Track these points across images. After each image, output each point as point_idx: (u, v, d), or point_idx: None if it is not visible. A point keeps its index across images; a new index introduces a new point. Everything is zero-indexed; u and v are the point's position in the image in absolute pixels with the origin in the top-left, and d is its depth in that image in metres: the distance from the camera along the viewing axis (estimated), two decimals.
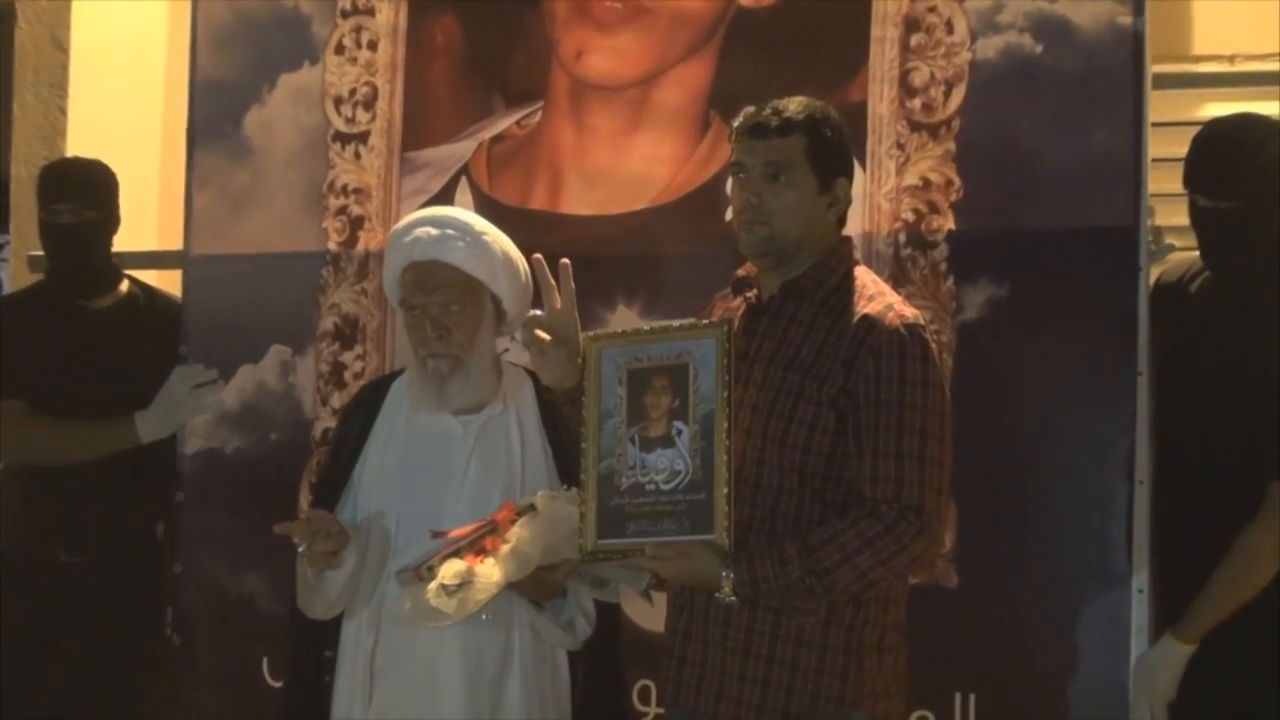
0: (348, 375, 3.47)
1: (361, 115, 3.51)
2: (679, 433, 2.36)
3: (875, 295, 2.43)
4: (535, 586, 2.56)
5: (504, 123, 3.41)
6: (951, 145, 3.04)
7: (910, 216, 3.06)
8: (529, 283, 2.70)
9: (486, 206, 3.31)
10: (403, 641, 2.62)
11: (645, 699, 3.15)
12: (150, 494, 3.53)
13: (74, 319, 3.50)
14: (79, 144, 4.15)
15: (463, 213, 2.80)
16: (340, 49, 3.54)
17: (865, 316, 2.39)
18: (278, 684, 3.28)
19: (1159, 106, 3.00)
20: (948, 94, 3.05)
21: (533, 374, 2.68)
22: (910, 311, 2.42)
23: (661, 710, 2.64)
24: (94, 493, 3.39)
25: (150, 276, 3.74)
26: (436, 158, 3.44)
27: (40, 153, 4.26)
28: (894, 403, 2.34)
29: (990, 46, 3.02)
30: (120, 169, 3.58)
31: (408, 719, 2.61)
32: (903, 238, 3.06)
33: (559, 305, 2.53)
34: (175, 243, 3.72)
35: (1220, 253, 2.90)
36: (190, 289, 3.62)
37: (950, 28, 3.05)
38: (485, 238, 2.69)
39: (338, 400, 3.43)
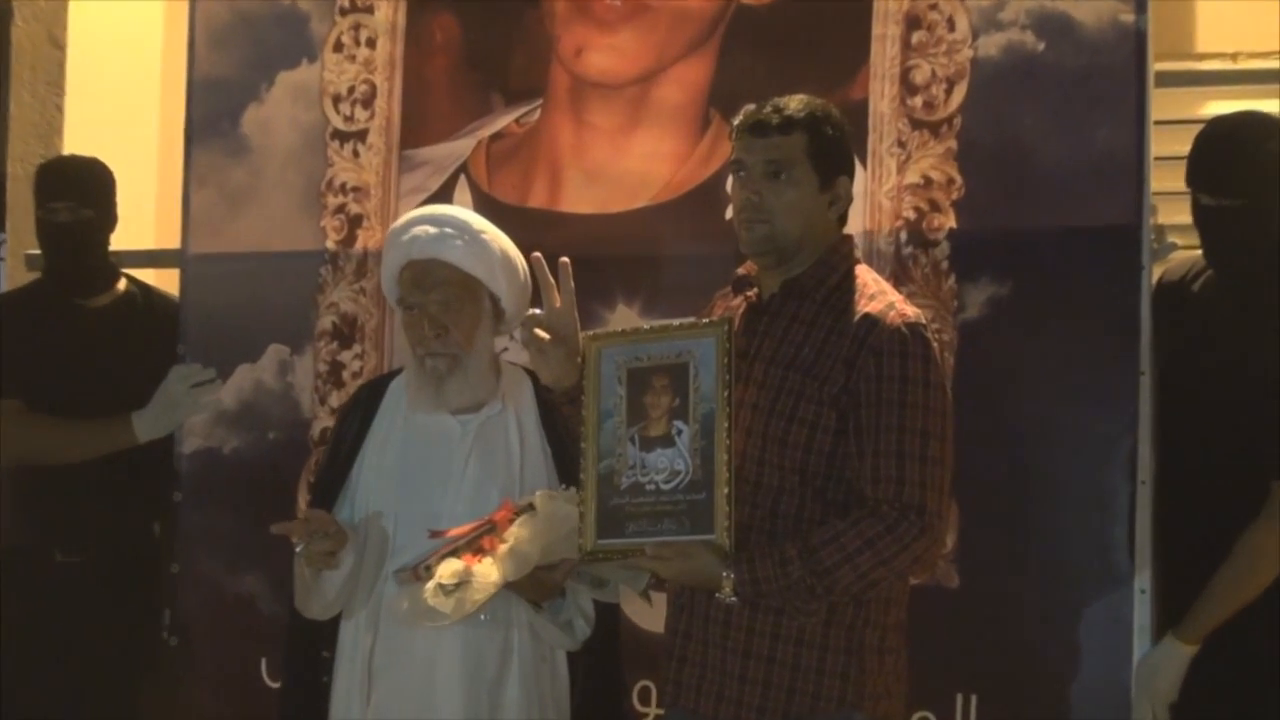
0: (346, 374, 3.46)
1: (360, 113, 3.50)
2: (679, 432, 2.35)
3: (876, 294, 2.43)
4: (534, 587, 2.55)
5: (503, 121, 3.40)
6: (953, 143, 3.03)
7: (911, 215, 3.05)
8: (527, 281, 2.69)
9: (485, 205, 3.30)
10: (401, 642, 2.62)
11: (646, 700, 3.14)
12: (148, 494, 3.52)
13: (71, 318, 3.49)
14: (76, 142, 4.15)
15: (461, 211, 2.80)
16: (339, 47, 3.53)
17: (866, 315, 2.38)
18: (276, 685, 3.28)
19: (1161, 104, 2.99)
20: (949, 92, 3.04)
21: (532, 373, 2.68)
22: (912, 310, 2.41)
23: (662, 711, 2.63)
24: (91, 492, 3.38)
25: (148, 275, 3.74)
26: (435, 156, 3.44)
27: (37, 151, 4.26)
28: (895, 402, 2.33)
29: (992, 44, 3.02)
30: (117, 167, 3.58)
31: (406, 719, 2.60)
32: (904, 236, 3.05)
33: (558, 304, 2.52)
34: (173, 241, 3.71)
35: (1223, 251, 2.89)
36: (188, 288, 3.61)
37: (952, 25, 3.04)
38: (483, 236, 2.69)
39: (336, 399, 3.43)
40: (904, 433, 2.32)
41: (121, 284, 3.59)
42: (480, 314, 2.68)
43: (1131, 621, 2.86)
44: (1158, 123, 2.95)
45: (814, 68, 3.08)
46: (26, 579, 3.40)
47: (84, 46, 4.35)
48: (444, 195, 3.37)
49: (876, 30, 3.09)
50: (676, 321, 2.46)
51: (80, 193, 3.47)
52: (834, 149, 2.45)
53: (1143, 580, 2.86)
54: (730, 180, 2.59)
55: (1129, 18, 2.92)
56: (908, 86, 3.07)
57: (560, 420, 2.64)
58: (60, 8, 4.33)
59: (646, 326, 2.59)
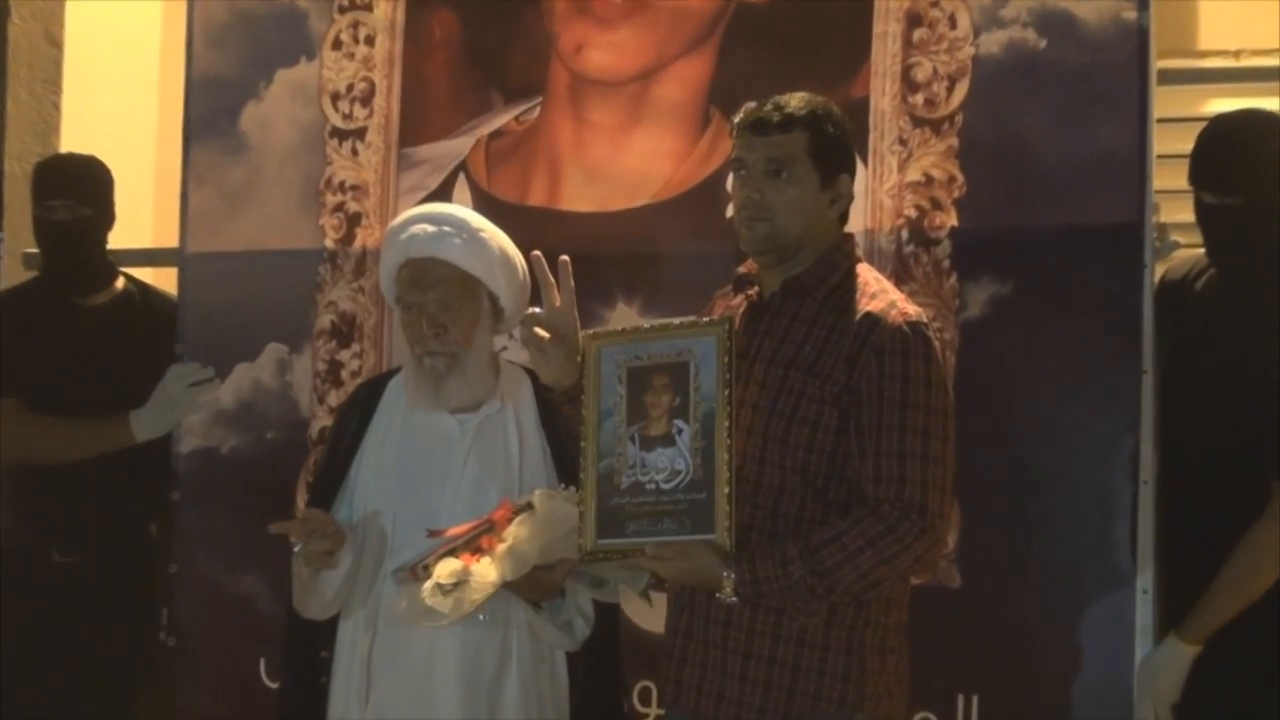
0: (345, 373, 3.46)
1: (359, 111, 3.49)
2: (679, 431, 2.35)
3: (878, 293, 2.42)
4: (533, 586, 2.55)
5: (502, 118, 3.39)
6: (954, 141, 3.03)
7: (913, 213, 3.04)
8: (526, 280, 2.69)
9: (485, 203, 3.30)
10: (400, 642, 2.61)
11: (646, 700, 3.14)
12: (145, 493, 3.51)
13: (69, 316, 3.49)
14: (73, 140, 4.15)
15: (459, 209, 2.80)
16: (337, 44, 3.52)
17: (868, 314, 2.38)
18: (274, 685, 3.27)
19: (1164, 102, 2.99)
20: (950, 89, 3.03)
21: (531, 372, 2.67)
22: (913, 309, 2.41)
23: (662, 711, 2.62)
24: (88, 492, 3.38)
25: (146, 274, 3.73)
26: (434, 154, 3.43)
27: (34, 149, 4.26)
28: (897, 401, 2.33)
29: (993, 41, 3.01)
30: (115, 166, 3.57)
31: (404, 719, 2.59)
32: (905, 234, 3.04)
33: (558, 303, 2.51)
34: (171, 240, 3.70)
35: (1226, 250, 2.89)
36: (186, 287, 3.61)
37: (953, 22, 3.04)
38: (482, 234, 2.68)
39: (335, 399, 3.42)
40: (905, 432, 2.32)
41: (119, 283, 3.58)
42: (479, 313, 2.67)
43: (1133, 622, 2.85)
44: (1160, 120, 2.94)
45: (815, 65, 3.07)
46: (24, 579, 3.39)
47: (81, 44, 4.35)
48: (443, 193, 3.36)
49: (877, 28, 3.08)
50: (677, 320, 2.45)
51: (78, 191, 3.46)
52: (835, 147, 2.44)
53: (1145, 580, 2.85)
54: (730, 178, 2.58)
55: (1131, 15, 2.91)
56: (909, 84, 3.06)
57: (559, 419, 2.64)
58: (57, 6, 4.33)
59: (647, 325, 2.59)
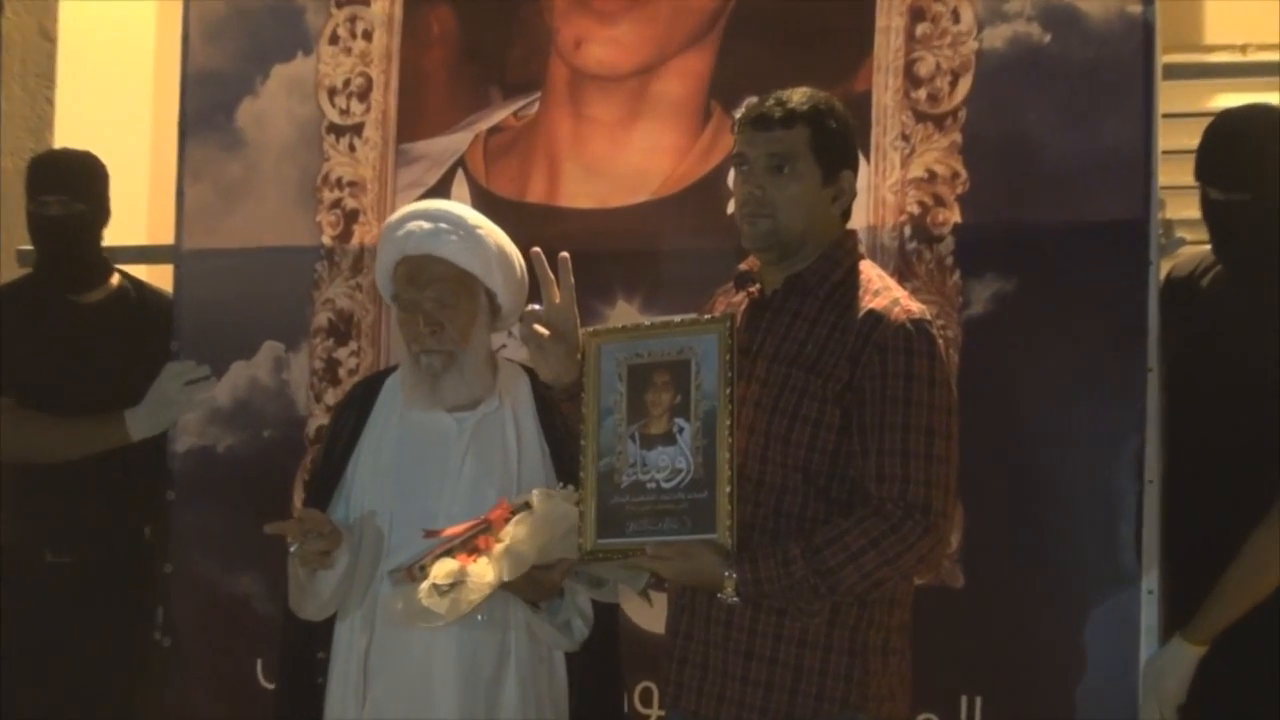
0: (342, 371, 3.45)
1: (356, 107, 3.48)
2: (680, 430, 2.34)
3: (881, 290, 2.41)
4: (531, 587, 2.53)
5: (501, 114, 3.38)
6: (958, 137, 3.02)
7: (916, 209, 3.04)
8: (524, 277, 2.69)
9: (483, 199, 3.29)
10: (396, 642, 2.60)
11: (647, 701, 3.13)
12: (140, 493, 3.50)
13: (63, 313, 3.48)
14: (67, 136, 4.15)
15: (456, 206, 2.79)
16: (334, 39, 3.51)
17: (871, 311, 2.36)
18: (270, 686, 3.26)
19: (1169, 97, 2.98)
20: (954, 84, 3.03)
21: (529, 370, 2.66)
22: (916, 306, 2.40)
23: (663, 712, 2.61)
24: (83, 491, 3.37)
25: (141, 271, 3.72)
26: (432, 150, 3.42)
27: (27, 145, 4.26)
28: (900, 400, 2.32)
29: (997, 36, 3.00)
30: (110, 162, 3.56)
31: None
32: (908, 231, 3.03)
33: (558, 300, 2.50)
34: (166, 237, 3.69)
35: (1232, 246, 2.88)
36: (182, 284, 3.59)
37: (956, 17, 3.03)
38: (479, 231, 2.67)
39: (332, 397, 3.41)
40: (909, 431, 2.31)
41: (114, 279, 3.57)
42: (476, 310, 2.66)
43: (1139, 622, 2.84)
44: (1166, 116, 2.93)
45: (817, 60, 3.06)
46: (17, 579, 3.38)
47: (75, 39, 4.34)
48: (441, 190, 3.35)
49: (880, 22, 3.08)
50: (678, 318, 2.44)
51: (73, 186, 3.45)
52: (837, 143, 2.44)
53: (1150, 580, 2.85)
54: (732, 174, 2.57)
55: (1136, 9, 2.90)
56: (912, 79, 3.05)
57: (558, 418, 2.63)
58: (51, 0, 4.31)
59: (647, 323, 2.58)
